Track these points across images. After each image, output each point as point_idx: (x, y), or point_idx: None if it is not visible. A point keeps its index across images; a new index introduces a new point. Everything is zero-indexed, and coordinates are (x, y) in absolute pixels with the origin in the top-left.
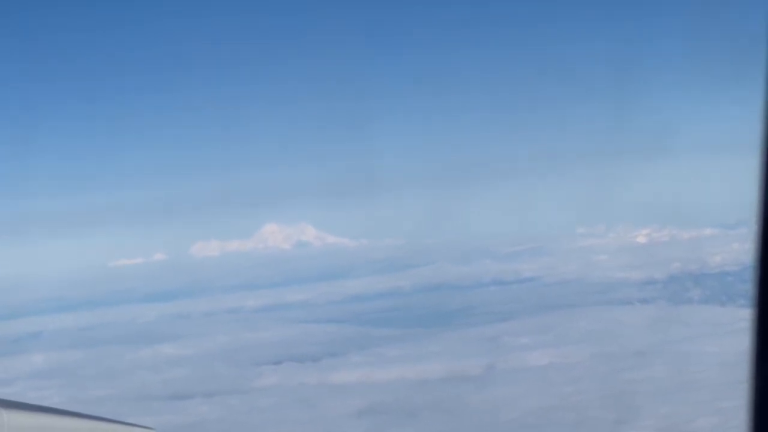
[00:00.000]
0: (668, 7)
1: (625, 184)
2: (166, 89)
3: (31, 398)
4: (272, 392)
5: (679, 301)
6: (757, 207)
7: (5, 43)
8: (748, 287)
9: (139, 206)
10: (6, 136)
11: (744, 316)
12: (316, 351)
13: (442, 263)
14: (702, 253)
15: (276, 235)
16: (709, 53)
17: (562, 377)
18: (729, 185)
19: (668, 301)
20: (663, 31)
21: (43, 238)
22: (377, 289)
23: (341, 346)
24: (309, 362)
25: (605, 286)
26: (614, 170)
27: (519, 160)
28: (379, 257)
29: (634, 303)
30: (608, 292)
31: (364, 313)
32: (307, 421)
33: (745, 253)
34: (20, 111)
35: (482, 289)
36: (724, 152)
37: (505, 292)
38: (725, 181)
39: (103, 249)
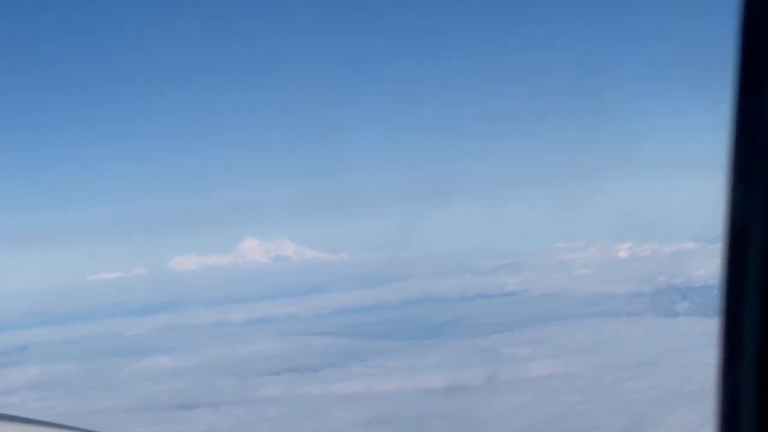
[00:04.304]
0: (646, 16)
1: (603, 198)
2: (144, 102)
3: (32, 410)
4: (278, 402)
5: (666, 313)
6: (724, 220)
7: None
8: None
9: (117, 220)
10: None
11: None
12: (314, 362)
13: (424, 277)
14: (685, 266)
15: (255, 250)
16: (685, 67)
17: (566, 387)
18: (707, 199)
19: (655, 313)
20: (638, 43)
21: (19, 252)
22: (363, 303)
23: (339, 357)
24: (309, 373)
25: (591, 299)
26: (592, 185)
27: (495, 176)
28: (359, 271)
29: (621, 315)
30: (595, 305)
31: (355, 325)
32: (315, 431)
33: None
34: None
35: (467, 303)
36: (701, 166)
37: (491, 306)
38: (703, 195)
39: (81, 263)
